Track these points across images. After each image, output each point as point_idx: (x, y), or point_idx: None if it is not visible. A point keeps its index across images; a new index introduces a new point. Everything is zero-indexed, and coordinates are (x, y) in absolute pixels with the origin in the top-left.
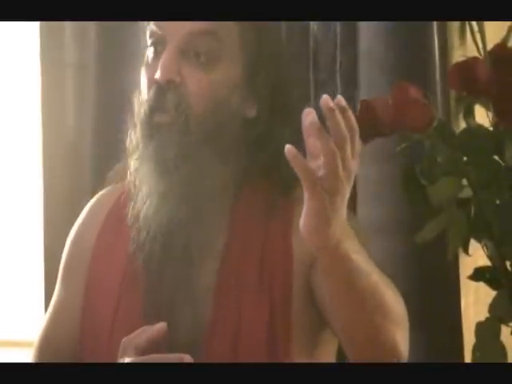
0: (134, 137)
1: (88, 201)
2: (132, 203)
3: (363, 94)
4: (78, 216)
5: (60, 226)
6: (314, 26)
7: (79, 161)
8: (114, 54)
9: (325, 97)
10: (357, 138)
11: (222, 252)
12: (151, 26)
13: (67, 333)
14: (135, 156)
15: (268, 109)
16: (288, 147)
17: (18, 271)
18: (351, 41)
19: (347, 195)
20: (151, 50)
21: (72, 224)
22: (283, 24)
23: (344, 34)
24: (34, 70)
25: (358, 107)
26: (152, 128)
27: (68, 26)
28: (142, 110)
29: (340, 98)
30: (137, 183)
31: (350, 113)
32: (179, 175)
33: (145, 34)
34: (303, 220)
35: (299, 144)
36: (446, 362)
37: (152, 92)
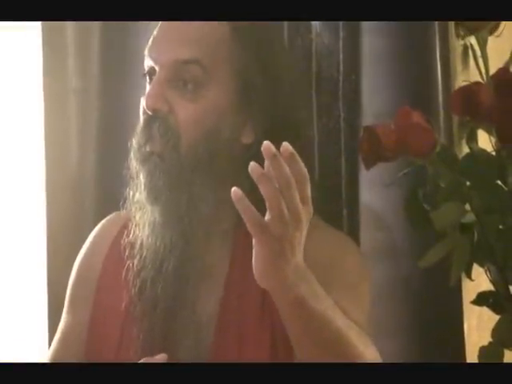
0: (131, 166)
1: (91, 228)
2: (131, 231)
3: (366, 119)
4: (80, 243)
5: (63, 253)
6: (316, 50)
7: (82, 188)
8: (116, 81)
9: (265, 143)
10: (307, 183)
11: (224, 280)
12: (146, 55)
13: (74, 357)
14: (132, 184)
15: (266, 135)
16: (234, 189)
17: (22, 298)
18: (354, 66)
19: (298, 241)
20: (147, 80)
21: (75, 251)
22: (285, 47)
23: (347, 59)
24: (37, 97)
25: (361, 133)
26: (144, 157)
27: (71, 53)
28: (136, 140)
29: (286, 145)
30: (133, 212)
31: (297, 158)
32: (170, 203)
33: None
34: (253, 263)
35: None
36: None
37: (142, 121)
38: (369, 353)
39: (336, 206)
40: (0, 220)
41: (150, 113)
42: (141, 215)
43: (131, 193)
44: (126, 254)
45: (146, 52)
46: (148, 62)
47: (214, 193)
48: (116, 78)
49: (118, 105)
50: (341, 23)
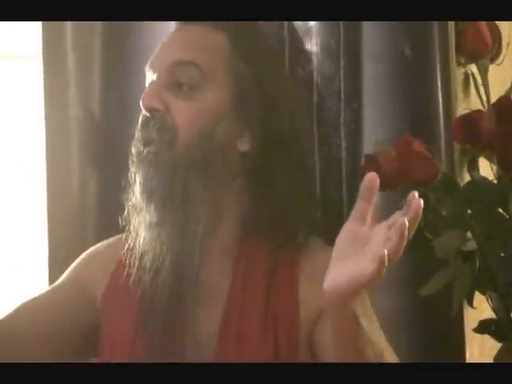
0: (129, 174)
1: None
2: (129, 237)
3: (367, 147)
4: None
5: None
6: (317, 79)
7: (84, 217)
8: (118, 109)
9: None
10: None
11: (227, 294)
12: (146, 71)
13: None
14: (130, 191)
15: (263, 146)
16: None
17: None
18: (355, 94)
19: None
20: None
21: None
22: (285, 75)
23: (348, 88)
24: (38, 125)
25: (363, 161)
26: (140, 158)
27: (72, 81)
28: (134, 145)
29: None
30: (130, 217)
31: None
32: (164, 201)
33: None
34: (331, 277)
35: None
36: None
37: (140, 123)
38: None
39: (338, 234)
40: (2, 250)
41: (147, 114)
42: (138, 219)
43: (129, 198)
44: (127, 261)
45: (147, 66)
46: (148, 77)
47: (210, 192)
48: (117, 105)
49: (120, 133)
50: (342, 51)
